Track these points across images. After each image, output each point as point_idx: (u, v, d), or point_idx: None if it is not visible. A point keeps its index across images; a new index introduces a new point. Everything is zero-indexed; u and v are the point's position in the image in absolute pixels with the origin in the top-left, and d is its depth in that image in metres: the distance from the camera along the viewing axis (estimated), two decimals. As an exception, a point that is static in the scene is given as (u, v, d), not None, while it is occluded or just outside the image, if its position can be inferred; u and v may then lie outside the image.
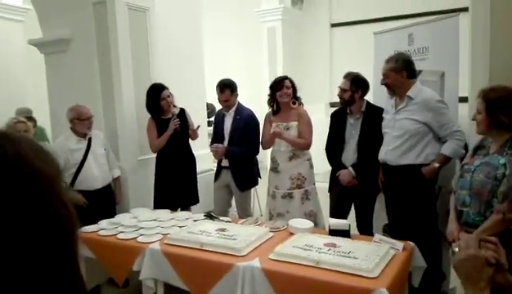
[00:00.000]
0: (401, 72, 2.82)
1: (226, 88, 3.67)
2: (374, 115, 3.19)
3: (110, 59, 3.81)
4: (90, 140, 3.42)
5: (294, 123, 3.42)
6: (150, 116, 3.75)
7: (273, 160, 3.54)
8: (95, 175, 3.37)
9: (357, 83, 3.22)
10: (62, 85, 4.09)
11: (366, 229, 3.18)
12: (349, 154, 3.27)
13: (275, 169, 3.51)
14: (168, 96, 3.69)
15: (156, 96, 3.66)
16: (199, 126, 3.83)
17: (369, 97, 3.57)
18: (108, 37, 3.79)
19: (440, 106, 2.79)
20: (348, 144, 3.28)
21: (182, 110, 3.84)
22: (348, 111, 3.30)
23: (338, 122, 3.37)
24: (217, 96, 3.76)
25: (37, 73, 5.00)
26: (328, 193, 3.47)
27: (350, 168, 3.24)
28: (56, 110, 4.15)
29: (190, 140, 3.86)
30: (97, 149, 3.44)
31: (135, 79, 3.92)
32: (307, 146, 3.43)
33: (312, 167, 3.51)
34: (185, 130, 3.76)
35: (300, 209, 3.38)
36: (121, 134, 3.83)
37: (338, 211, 3.25)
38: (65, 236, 0.52)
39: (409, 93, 2.83)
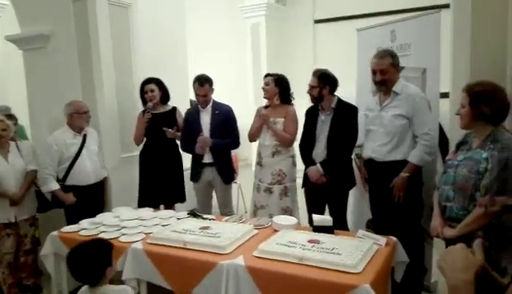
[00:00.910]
0: (396, 67, 2.86)
1: (206, 82, 3.65)
2: (344, 112, 3.22)
3: (91, 56, 3.75)
4: (85, 136, 3.47)
5: (281, 120, 3.49)
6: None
7: (258, 154, 3.62)
8: (88, 171, 3.41)
9: (324, 79, 3.24)
10: (41, 82, 4.00)
11: (340, 226, 3.18)
12: (319, 151, 3.29)
13: (259, 163, 3.59)
14: (152, 91, 3.69)
15: (141, 89, 3.77)
16: (178, 131, 3.80)
17: (352, 94, 3.59)
18: (88, 34, 3.73)
19: (423, 103, 2.83)
20: (319, 140, 3.31)
21: (174, 109, 3.85)
22: (320, 108, 3.33)
23: (311, 119, 3.40)
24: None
25: (16, 71, 4.87)
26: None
27: (318, 165, 3.26)
28: (35, 108, 4.07)
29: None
30: (91, 146, 3.49)
31: (117, 76, 3.87)
32: (290, 142, 3.47)
33: (294, 164, 3.57)
34: (173, 127, 3.75)
35: (278, 204, 3.46)
36: (103, 131, 3.78)
37: (313, 207, 3.28)
38: None
39: (394, 88, 2.86)
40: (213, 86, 3.71)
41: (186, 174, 3.91)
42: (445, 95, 3.14)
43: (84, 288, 1.92)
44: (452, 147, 2.47)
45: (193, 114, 3.78)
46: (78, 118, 3.42)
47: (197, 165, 3.75)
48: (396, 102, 2.86)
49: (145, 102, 3.75)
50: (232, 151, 3.91)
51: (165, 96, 3.83)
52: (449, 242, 2.20)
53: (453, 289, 0.96)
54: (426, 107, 2.84)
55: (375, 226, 3.08)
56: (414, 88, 2.88)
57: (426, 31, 3.14)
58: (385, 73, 2.84)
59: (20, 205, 3.32)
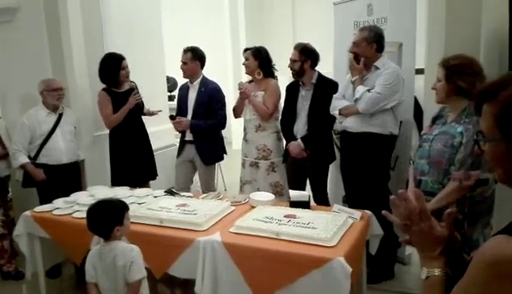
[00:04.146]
0: (372, 44, 2.84)
1: (188, 51, 3.63)
2: (325, 87, 3.22)
3: (60, 29, 3.61)
4: (61, 115, 3.38)
5: (261, 93, 3.47)
6: (101, 89, 3.56)
7: (244, 129, 3.62)
8: (60, 150, 3.34)
9: (305, 53, 3.24)
10: (9, 57, 3.83)
11: (321, 200, 3.23)
12: (300, 126, 3.32)
13: (245, 138, 3.59)
14: (127, 66, 3.55)
15: (116, 66, 3.47)
16: (160, 111, 3.79)
17: (329, 69, 3.58)
18: (57, 6, 3.58)
19: (389, 75, 2.79)
20: (300, 116, 3.33)
21: (134, 84, 3.68)
22: (301, 83, 3.32)
23: (291, 94, 3.40)
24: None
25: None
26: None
27: (299, 140, 3.28)
28: (4, 84, 3.91)
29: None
30: (66, 126, 3.40)
31: (87, 51, 3.74)
32: (267, 115, 3.45)
33: (280, 139, 3.56)
34: (137, 105, 3.60)
35: (265, 179, 3.46)
36: (74, 109, 3.66)
37: (294, 182, 3.32)
38: None
39: (376, 63, 2.87)
40: (203, 62, 3.69)
41: (162, 152, 3.87)
42: (421, 72, 3.15)
43: (98, 246, 2.11)
44: (427, 122, 2.49)
45: (183, 90, 3.79)
46: (48, 96, 3.32)
47: (181, 141, 3.79)
48: (373, 77, 2.86)
49: (114, 79, 3.51)
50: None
51: None
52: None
53: (422, 264, 0.98)
54: (390, 78, 2.78)
55: (348, 200, 3.12)
56: (393, 65, 2.89)
57: (402, 5, 3.14)
58: (357, 45, 2.86)
59: None
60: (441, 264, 0.96)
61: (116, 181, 3.55)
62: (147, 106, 3.77)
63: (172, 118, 3.71)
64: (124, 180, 3.46)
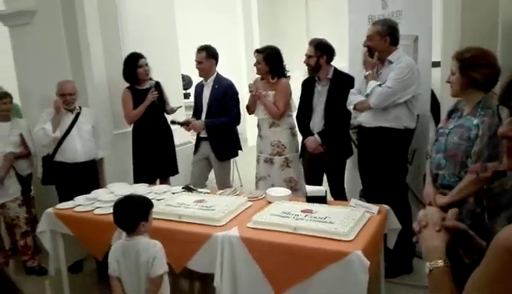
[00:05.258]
0: (385, 37, 2.82)
1: (202, 50, 3.68)
2: (341, 82, 3.21)
3: (78, 30, 3.68)
4: (78, 114, 3.44)
5: (271, 93, 3.47)
6: (125, 87, 3.69)
7: (258, 126, 3.64)
8: (77, 149, 3.40)
9: (321, 48, 3.24)
10: (29, 58, 3.93)
11: (339, 195, 3.24)
12: (317, 121, 3.32)
13: (259, 135, 3.61)
14: (146, 65, 3.67)
15: (133, 64, 3.64)
16: (180, 107, 3.90)
17: (344, 64, 3.57)
18: (74, 8, 3.65)
19: (402, 68, 2.76)
20: (316, 111, 3.33)
21: (158, 83, 3.80)
22: (316, 78, 3.32)
23: (307, 90, 3.41)
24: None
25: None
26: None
27: (316, 135, 3.29)
28: (26, 85, 4.01)
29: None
30: (84, 125, 3.47)
31: (105, 51, 3.81)
32: (278, 115, 3.45)
33: (294, 135, 3.55)
34: (161, 102, 3.75)
35: (279, 175, 3.47)
36: (93, 108, 3.73)
37: (311, 177, 3.32)
38: None
39: (389, 57, 2.85)
40: (217, 60, 3.74)
41: (179, 149, 3.94)
42: (437, 65, 3.12)
43: (121, 240, 2.16)
44: (444, 115, 2.47)
45: (198, 88, 3.86)
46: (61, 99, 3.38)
47: (197, 138, 3.85)
48: (387, 71, 2.84)
49: (133, 77, 3.66)
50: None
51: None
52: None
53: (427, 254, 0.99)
54: (402, 72, 2.76)
55: (365, 195, 3.12)
56: (406, 59, 2.86)
57: (418, -2, 3.10)
58: (370, 39, 2.85)
59: (1, 188, 3.37)
60: (441, 254, 0.96)
61: (138, 176, 3.63)
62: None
63: (173, 123, 3.77)
64: (146, 175, 3.54)
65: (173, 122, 3.76)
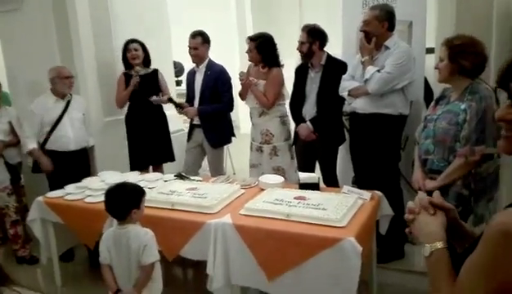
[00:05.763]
0: (382, 22, 2.79)
1: (197, 35, 3.63)
2: (334, 68, 3.18)
3: (67, 16, 3.59)
4: (69, 102, 3.41)
5: (262, 82, 3.41)
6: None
7: (250, 114, 3.60)
8: (68, 137, 3.37)
9: (313, 34, 3.20)
10: (17, 45, 3.84)
11: (331, 182, 3.23)
12: (309, 108, 3.29)
13: (252, 122, 3.58)
14: (135, 50, 3.62)
15: (124, 49, 3.65)
16: (167, 97, 3.79)
17: (338, 50, 3.53)
18: (64, -7, 3.56)
19: (399, 54, 2.74)
20: (309, 98, 3.30)
21: (155, 71, 3.77)
22: (310, 65, 3.29)
23: (300, 77, 3.37)
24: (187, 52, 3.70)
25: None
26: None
27: (308, 122, 3.27)
28: (13, 72, 3.93)
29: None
30: (75, 113, 3.43)
31: (95, 38, 3.74)
32: (267, 105, 3.39)
33: (284, 123, 3.49)
34: (157, 90, 3.72)
35: (268, 163, 3.45)
36: (83, 95, 3.67)
37: (304, 165, 3.31)
38: None
39: (386, 43, 2.82)
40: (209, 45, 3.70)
41: (173, 137, 3.91)
42: (431, 51, 3.10)
43: (113, 227, 2.16)
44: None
45: (190, 75, 3.82)
46: (60, 83, 3.34)
47: (190, 126, 3.82)
48: (383, 57, 2.82)
49: (127, 63, 3.65)
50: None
51: (147, 59, 3.75)
52: (431, 193, 2.25)
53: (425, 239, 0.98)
54: (400, 57, 2.73)
55: (357, 181, 3.11)
56: (403, 44, 2.84)
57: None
58: (368, 24, 2.81)
59: None
60: (439, 236, 0.95)
61: (134, 164, 3.63)
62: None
63: (169, 100, 3.72)
64: (140, 161, 3.55)
65: (170, 100, 3.71)
